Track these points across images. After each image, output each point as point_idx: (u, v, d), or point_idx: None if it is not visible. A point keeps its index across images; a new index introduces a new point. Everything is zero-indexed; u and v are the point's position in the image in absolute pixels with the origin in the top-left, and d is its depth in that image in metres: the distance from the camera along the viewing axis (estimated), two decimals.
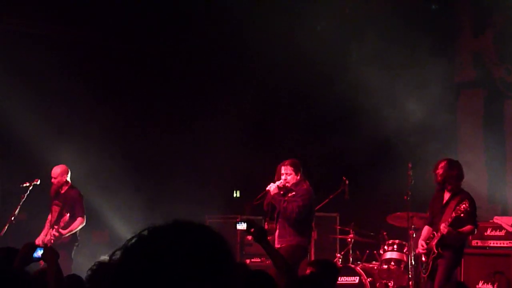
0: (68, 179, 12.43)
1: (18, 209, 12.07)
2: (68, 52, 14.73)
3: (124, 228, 14.43)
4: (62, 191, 12.37)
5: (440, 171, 10.21)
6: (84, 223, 12.31)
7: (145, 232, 1.95)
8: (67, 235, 12.07)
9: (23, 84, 13.87)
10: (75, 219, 12.17)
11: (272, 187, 10.45)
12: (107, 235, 14.88)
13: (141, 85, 15.82)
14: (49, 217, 12.43)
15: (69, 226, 12.10)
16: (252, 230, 6.37)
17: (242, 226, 6.70)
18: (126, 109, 15.69)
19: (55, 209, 12.32)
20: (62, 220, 12.02)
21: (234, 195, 16.40)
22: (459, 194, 10.13)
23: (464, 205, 9.78)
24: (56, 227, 12.04)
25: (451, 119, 14.62)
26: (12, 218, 12.02)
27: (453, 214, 9.83)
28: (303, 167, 10.69)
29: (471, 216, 9.98)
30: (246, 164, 15.14)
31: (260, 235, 6.36)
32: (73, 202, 12.24)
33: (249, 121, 15.56)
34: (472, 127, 14.57)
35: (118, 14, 15.09)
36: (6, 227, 11.99)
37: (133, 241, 1.94)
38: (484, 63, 14.66)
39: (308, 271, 7.23)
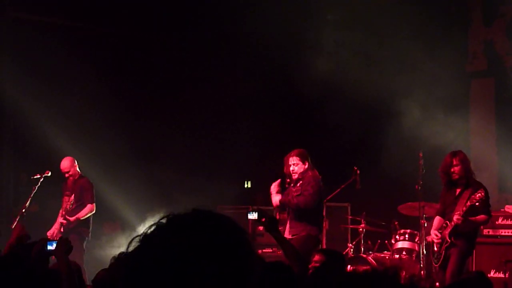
0: (77, 169, 12.49)
1: (29, 201, 12.11)
2: (76, 43, 14.75)
3: (135, 219, 14.47)
4: (74, 181, 12.44)
5: (456, 168, 10.13)
6: (94, 211, 12.35)
7: (164, 221, 1.94)
8: (77, 221, 12.11)
9: (32, 76, 13.90)
10: (84, 206, 12.22)
11: (274, 200, 10.52)
12: (118, 226, 14.92)
13: (153, 76, 15.85)
14: (61, 210, 12.48)
15: (77, 213, 12.15)
16: (263, 220, 6.39)
17: (253, 216, 6.72)
18: (138, 100, 15.71)
19: (66, 199, 12.38)
20: (69, 203, 12.08)
21: (245, 185, 16.40)
22: (473, 184, 10.09)
23: (479, 194, 9.75)
24: (63, 213, 12.10)
25: (463, 108, 14.56)
26: (23, 210, 12.06)
27: (468, 203, 9.80)
28: (311, 156, 10.69)
29: (486, 205, 9.96)
30: (257, 155, 15.16)
31: (271, 225, 6.37)
32: (82, 190, 12.30)
33: (260, 112, 15.55)
34: (484, 116, 14.54)
35: (124, 4, 15.12)
36: (18, 218, 12.03)
37: (152, 229, 1.93)
38: (496, 52, 14.61)
39: (316, 258, 7.22)
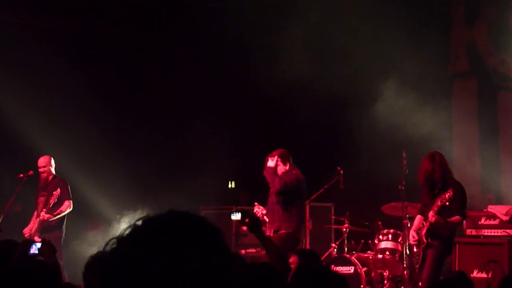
0: (53, 169, 12.51)
1: (13, 201, 12.10)
2: (56, 42, 14.75)
3: (115, 220, 14.46)
4: (48, 181, 12.45)
5: (437, 174, 10.17)
6: (71, 207, 12.37)
7: (140, 222, 1.96)
8: (54, 218, 12.12)
9: (13, 76, 13.86)
10: (62, 204, 12.24)
11: (259, 214, 10.54)
12: (101, 226, 14.91)
13: (136, 76, 15.83)
14: (36, 211, 12.48)
15: (58, 209, 12.17)
16: (247, 220, 6.40)
17: (236, 216, 6.74)
18: (120, 100, 15.69)
19: (41, 200, 12.38)
20: (51, 199, 12.08)
21: (229, 186, 16.41)
22: (450, 184, 10.14)
23: (448, 194, 9.80)
24: (43, 211, 12.09)
25: (445, 109, 14.62)
26: (7, 210, 12.05)
27: (439, 203, 9.87)
28: (293, 156, 10.72)
29: (460, 206, 10.00)
30: (241, 155, 15.17)
31: (255, 225, 6.39)
32: (60, 188, 12.29)
33: (244, 112, 15.57)
34: (466, 117, 14.60)
35: (116, 5, 15.12)
36: (1, 218, 12.01)
37: (127, 231, 1.95)
38: (478, 54, 14.68)
39: (291, 259, 7.26)
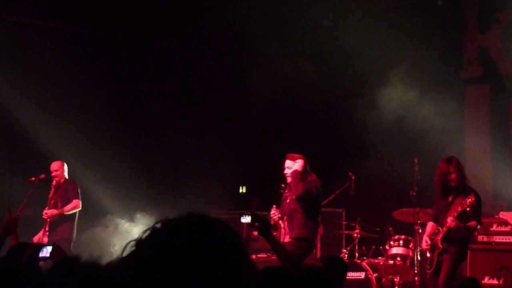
0: (66, 174, 12.55)
1: (24, 205, 12.11)
2: (72, 46, 14.76)
3: (128, 223, 14.47)
4: (59, 185, 12.50)
5: (453, 176, 10.13)
6: (80, 207, 12.39)
7: (159, 225, 1.95)
8: (57, 214, 12.16)
9: (28, 79, 13.91)
10: (71, 202, 12.28)
11: (275, 216, 10.51)
12: (112, 230, 14.90)
13: (148, 77, 15.85)
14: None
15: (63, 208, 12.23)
16: (256, 223, 6.39)
17: (246, 219, 6.74)
18: (132, 103, 15.72)
19: (51, 203, 12.41)
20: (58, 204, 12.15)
21: (240, 190, 16.39)
22: (466, 190, 10.10)
23: (470, 199, 9.76)
24: (45, 208, 12.16)
25: (458, 115, 14.58)
26: (18, 214, 12.05)
27: (459, 208, 9.82)
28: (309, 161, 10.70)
29: (476, 211, 9.97)
30: (252, 160, 15.16)
31: (264, 228, 6.38)
32: (67, 189, 12.36)
33: (256, 117, 15.56)
34: (478, 123, 14.56)
35: (122, 8, 15.13)
36: None
37: (146, 233, 1.94)
38: (491, 59, 14.63)
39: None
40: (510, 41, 14.30)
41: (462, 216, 9.84)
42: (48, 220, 12.19)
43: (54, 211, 12.18)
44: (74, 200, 12.34)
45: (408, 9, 14.67)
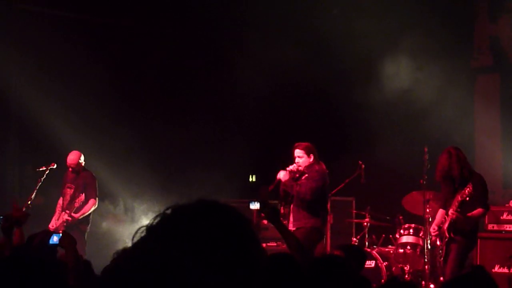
0: (83, 160, 12.57)
1: (34, 193, 12.14)
2: (83, 35, 14.75)
3: (139, 211, 14.52)
4: (78, 174, 12.51)
5: (455, 169, 10.14)
6: (97, 205, 12.45)
7: (169, 211, 1.95)
8: (80, 218, 12.21)
9: (38, 68, 13.93)
10: (87, 202, 12.29)
11: (282, 175, 10.49)
12: (121, 217, 14.94)
13: (158, 66, 15.84)
14: (60, 201, 12.55)
15: (82, 209, 12.22)
16: (266, 210, 6.41)
17: (255, 206, 6.75)
18: (142, 92, 15.72)
19: (68, 192, 12.44)
20: (77, 200, 12.13)
21: (250, 179, 16.39)
22: (470, 177, 10.10)
23: (468, 189, 9.76)
24: (67, 211, 12.14)
25: (468, 104, 14.56)
26: (29, 202, 12.08)
27: (459, 198, 9.84)
28: (317, 150, 10.71)
29: (479, 198, 9.95)
30: (262, 148, 15.15)
31: (273, 215, 6.40)
32: (86, 184, 12.36)
33: (265, 105, 15.55)
34: (489, 112, 14.53)
35: None
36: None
37: (157, 220, 1.94)
38: (502, 48, 14.59)
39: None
40: None
41: (466, 205, 9.85)
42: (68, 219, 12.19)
43: (75, 217, 12.17)
44: (91, 200, 12.34)
45: None
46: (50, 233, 5.95)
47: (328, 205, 11.08)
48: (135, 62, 15.54)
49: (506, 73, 14.50)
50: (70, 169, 12.51)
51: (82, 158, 12.59)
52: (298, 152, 10.59)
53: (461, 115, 14.17)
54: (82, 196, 12.17)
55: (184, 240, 1.86)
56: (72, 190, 12.36)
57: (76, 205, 12.14)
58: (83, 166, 12.59)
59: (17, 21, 14.43)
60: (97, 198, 12.47)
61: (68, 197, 12.37)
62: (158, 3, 15.61)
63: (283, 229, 6.46)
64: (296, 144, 10.68)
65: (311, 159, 10.53)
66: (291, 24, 15.01)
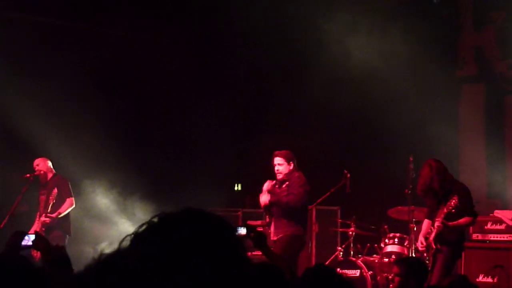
0: (51, 166, 12.56)
1: (19, 201, 12.10)
2: (64, 41, 14.73)
3: (125, 221, 14.47)
4: (47, 179, 12.50)
5: (435, 183, 10.18)
6: (74, 205, 12.42)
7: (155, 219, 1.95)
8: (54, 218, 12.16)
9: (22, 75, 13.86)
10: (64, 201, 12.27)
11: (263, 199, 10.53)
12: (108, 226, 14.90)
13: (142, 73, 15.78)
14: (38, 212, 12.52)
15: (58, 209, 12.20)
16: (252, 235, 6.39)
17: (242, 231, 6.74)
18: (125, 100, 15.67)
19: (42, 199, 12.43)
20: (50, 198, 12.10)
21: (235, 188, 16.40)
22: (453, 188, 10.13)
23: (453, 201, 9.78)
24: (43, 214, 12.11)
25: (452, 113, 14.61)
26: (13, 210, 12.06)
27: (445, 210, 9.86)
28: (301, 159, 10.75)
29: (466, 207, 9.98)
30: (247, 157, 15.16)
31: (260, 240, 6.38)
32: (58, 186, 12.32)
33: (249, 113, 15.57)
34: (473, 122, 14.58)
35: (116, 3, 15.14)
36: (7, 218, 12.02)
37: (143, 228, 1.94)
38: (486, 58, 14.66)
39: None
40: (504, 40, 14.32)
41: (452, 216, 9.87)
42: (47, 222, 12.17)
43: (52, 216, 12.14)
44: (68, 199, 12.36)
45: (404, 7, 14.66)
46: (23, 234, 5.88)
47: (313, 215, 11.10)
48: (123, 68, 15.47)
49: (490, 82, 14.56)
50: (36, 171, 12.51)
51: (49, 163, 12.61)
52: (278, 160, 10.62)
53: (445, 124, 14.21)
54: (55, 191, 12.14)
55: (170, 246, 1.86)
56: (45, 196, 12.35)
57: (50, 202, 12.09)
58: (53, 171, 12.61)
59: (2, 27, 14.36)
60: (73, 197, 12.45)
61: (42, 204, 12.35)
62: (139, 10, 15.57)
63: (270, 254, 6.45)
64: (276, 152, 10.72)
65: (291, 167, 10.57)
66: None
